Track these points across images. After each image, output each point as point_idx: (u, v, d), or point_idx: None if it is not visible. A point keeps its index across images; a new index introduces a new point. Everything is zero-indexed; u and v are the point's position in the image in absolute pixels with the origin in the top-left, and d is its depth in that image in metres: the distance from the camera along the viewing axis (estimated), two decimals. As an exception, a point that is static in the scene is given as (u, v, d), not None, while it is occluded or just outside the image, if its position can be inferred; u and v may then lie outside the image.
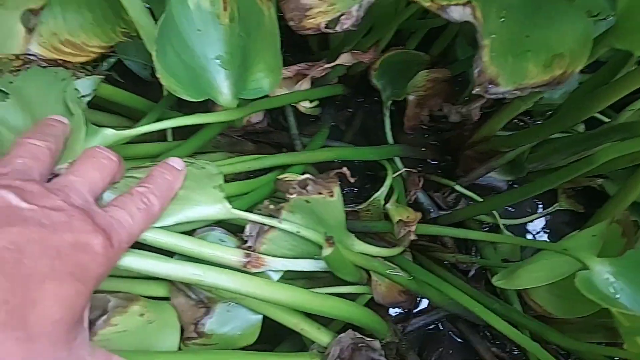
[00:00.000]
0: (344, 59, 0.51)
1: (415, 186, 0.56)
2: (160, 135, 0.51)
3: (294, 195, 0.35)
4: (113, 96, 0.43)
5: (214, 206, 0.34)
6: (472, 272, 0.56)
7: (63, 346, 0.23)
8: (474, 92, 0.38)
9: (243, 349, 0.38)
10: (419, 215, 0.48)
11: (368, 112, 0.67)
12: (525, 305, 0.50)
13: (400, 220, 0.47)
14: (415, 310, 0.58)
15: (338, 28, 0.37)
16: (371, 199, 0.52)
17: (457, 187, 0.59)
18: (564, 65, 0.39)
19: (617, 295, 0.37)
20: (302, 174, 0.38)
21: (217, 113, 0.42)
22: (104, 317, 0.30)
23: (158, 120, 0.44)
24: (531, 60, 0.39)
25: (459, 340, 0.56)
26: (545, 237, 0.65)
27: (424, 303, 0.58)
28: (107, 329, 0.30)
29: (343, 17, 0.38)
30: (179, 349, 0.35)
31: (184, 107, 0.56)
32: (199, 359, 0.33)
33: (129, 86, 0.61)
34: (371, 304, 0.55)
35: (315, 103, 0.54)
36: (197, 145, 0.46)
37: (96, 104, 0.40)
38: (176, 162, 0.33)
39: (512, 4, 0.41)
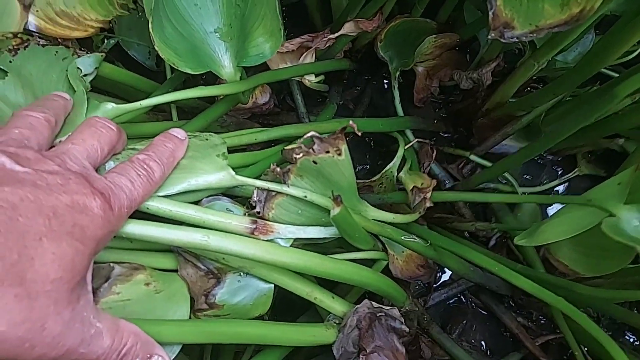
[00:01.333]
0: (348, 28, 0.50)
1: (429, 157, 0.54)
2: (165, 116, 0.51)
3: (300, 156, 0.34)
4: (115, 75, 0.42)
5: (217, 174, 0.34)
6: (492, 242, 0.54)
7: (65, 306, 0.22)
8: (489, 37, 0.37)
9: (256, 318, 0.37)
10: (434, 182, 0.47)
11: (376, 89, 0.66)
12: (551, 268, 0.48)
13: (414, 187, 0.46)
14: (435, 285, 0.56)
15: None
16: (384, 170, 0.51)
17: (472, 157, 0.58)
18: (582, 2, 0.37)
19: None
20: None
21: (220, 86, 0.41)
22: (106, 284, 0.29)
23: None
24: (547, 0, 0.37)
25: (483, 312, 0.55)
26: (566, 205, 0.63)
27: (445, 277, 0.57)
28: (110, 297, 0.29)
29: None
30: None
31: (190, 87, 0.55)
32: (211, 328, 0.32)
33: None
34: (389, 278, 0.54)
35: (320, 77, 0.53)
36: (202, 124, 0.46)
37: (96, 86, 0.40)
38: (178, 132, 0.33)
39: None
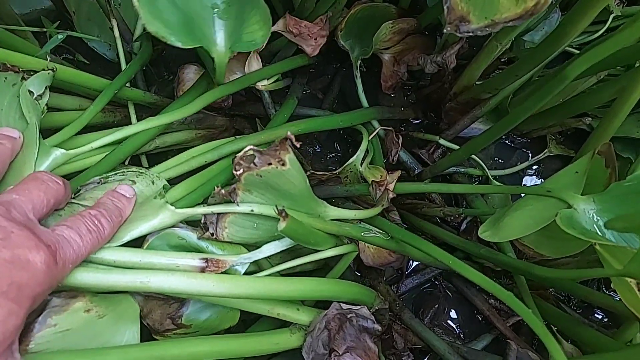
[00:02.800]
0: (280, 25, 0.49)
1: (395, 145, 0.54)
2: (124, 112, 0.49)
3: (242, 172, 0.33)
4: (72, 78, 0.41)
5: (159, 216, 0.34)
6: (463, 226, 0.54)
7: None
8: (444, 31, 0.36)
9: (227, 330, 0.37)
10: (395, 175, 0.46)
11: (345, 76, 0.65)
12: (519, 251, 0.48)
13: (373, 181, 0.45)
14: (407, 271, 0.56)
15: None
16: (346, 164, 0.51)
17: (442, 141, 0.58)
18: None
19: (603, 231, 0.35)
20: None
21: (164, 115, 0.41)
22: (40, 317, 0.28)
23: (115, 97, 0.43)
24: None
25: (456, 295, 0.55)
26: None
27: (417, 263, 0.57)
28: (46, 330, 0.28)
29: None
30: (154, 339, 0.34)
31: (142, 81, 0.54)
32: (163, 350, 0.30)
33: (95, 68, 0.60)
34: (361, 268, 0.54)
35: (274, 78, 0.52)
36: (161, 128, 0.45)
37: (55, 86, 0.39)
38: (126, 190, 0.34)
39: None
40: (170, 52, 0.62)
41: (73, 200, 0.33)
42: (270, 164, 0.33)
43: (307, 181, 0.38)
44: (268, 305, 0.36)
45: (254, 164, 0.33)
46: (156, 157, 0.53)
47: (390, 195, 0.44)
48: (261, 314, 0.37)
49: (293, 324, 0.38)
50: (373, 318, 0.41)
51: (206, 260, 0.33)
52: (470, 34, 0.37)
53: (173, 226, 0.35)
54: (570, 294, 0.53)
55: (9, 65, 0.34)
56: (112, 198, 0.33)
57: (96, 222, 0.30)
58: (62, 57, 0.61)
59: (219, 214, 0.35)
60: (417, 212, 0.55)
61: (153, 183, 0.36)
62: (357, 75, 0.56)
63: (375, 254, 0.51)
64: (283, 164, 0.33)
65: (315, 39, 0.52)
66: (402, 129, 0.62)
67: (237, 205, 0.34)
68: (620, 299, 0.38)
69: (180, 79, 0.52)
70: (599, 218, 0.36)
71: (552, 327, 0.47)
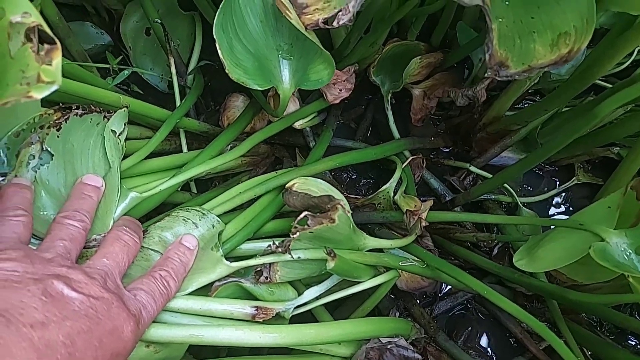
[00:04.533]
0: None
1: (419, 168, 0.57)
2: (177, 143, 0.54)
3: (297, 235, 0.37)
4: (138, 109, 0.46)
5: (216, 270, 0.39)
6: (495, 251, 0.56)
7: None
8: (486, 75, 0.39)
9: None
10: (428, 204, 0.49)
11: (377, 107, 0.68)
12: (551, 276, 0.50)
13: (407, 210, 0.48)
14: (441, 294, 0.58)
15: (335, 23, 0.40)
16: (378, 191, 0.54)
17: (472, 169, 0.60)
18: (570, 43, 0.40)
19: (635, 265, 0.37)
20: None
21: (235, 150, 0.48)
22: None
23: (175, 127, 0.47)
24: (538, 41, 0.40)
25: (488, 318, 0.56)
26: (567, 213, 0.64)
27: (450, 287, 0.59)
28: None
29: (340, 12, 0.40)
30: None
31: (192, 110, 0.59)
32: None
33: (148, 98, 0.65)
34: (395, 291, 0.56)
35: (311, 117, 0.56)
36: (211, 155, 0.49)
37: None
38: (190, 242, 0.37)
39: None
40: (215, 83, 0.67)
41: (144, 245, 0.37)
42: (321, 223, 0.37)
43: (352, 223, 0.41)
44: (310, 337, 0.39)
45: (308, 225, 0.37)
46: (204, 184, 0.57)
47: (423, 224, 0.47)
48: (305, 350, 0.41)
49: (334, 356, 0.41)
50: (412, 347, 0.43)
51: (257, 308, 0.38)
52: (509, 78, 0.40)
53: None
54: (603, 319, 0.54)
55: (93, 107, 0.38)
56: (178, 252, 0.36)
57: (165, 283, 0.34)
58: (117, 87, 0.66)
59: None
60: (449, 237, 0.58)
61: (213, 227, 0.40)
62: (388, 107, 0.60)
63: (409, 279, 0.53)
64: (333, 222, 0.38)
65: (340, 90, 0.56)
66: (432, 156, 0.65)
67: (291, 256, 0.38)
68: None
69: (227, 106, 0.57)
70: (630, 252, 0.38)
71: (585, 350, 0.48)
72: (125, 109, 0.40)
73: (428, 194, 0.61)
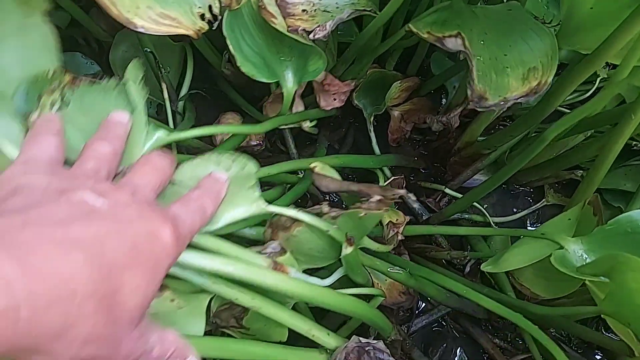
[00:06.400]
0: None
1: (400, 188, 0.59)
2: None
3: (366, 209, 0.39)
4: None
5: (251, 206, 0.38)
6: (467, 269, 0.59)
7: (135, 326, 0.25)
8: (468, 107, 0.43)
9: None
10: (407, 218, 0.52)
11: (359, 129, 0.72)
12: (518, 293, 0.53)
13: (390, 222, 0.51)
14: (417, 312, 0.60)
15: (311, 36, 0.45)
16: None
17: (447, 191, 0.63)
18: (538, 77, 0.45)
19: (590, 268, 0.40)
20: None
21: (249, 125, 0.51)
22: None
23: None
24: (511, 75, 0.45)
25: (462, 335, 0.59)
26: (538, 233, 0.68)
27: (426, 305, 0.61)
28: None
29: (318, 28, 0.45)
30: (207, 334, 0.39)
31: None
32: (226, 345, 0.36)
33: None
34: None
35: (314, 122, 0.60)
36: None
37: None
38: (221, 175, 0.36)
39: (490, 28, 0.47)
40: (203, 107, 0.70)
41: (175, 179, 0.36)
42: (371, 210, 0.40)
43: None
44: (307, 325, 0.41)
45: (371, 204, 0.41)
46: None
47: (399, 237, 0.50)
48: (299, 334, 0.41)
49: (322, 346, 0.43)
50: (388, 351, 0.46)
51: (275, 263, 0.38)
52: (488, 109, 0.44)
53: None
54: (570, 334, 0.57)
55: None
56: (211, 180, 0.34)
57: (200, 202, 0.32)
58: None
59: (294, 220, 0.39)
60: (425, 255, 0.60)
61: (245, 167, 0.39)
62: (371, 129, 0.63)
63: (387, 294, 0.55)
64: (379, 210, 0.40)
65: (334, 99, 0.60)
66: (412, 178, 0.69)
67: (316, 219, 0.39)
68: (619, 339, 0.42)
69: (220, 124, 0.60)
70: (587, 257, 0.41)
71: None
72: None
73: (406, 213, 0.64)
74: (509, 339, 0.57)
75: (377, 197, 0.40)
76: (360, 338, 0.45)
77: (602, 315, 0.43)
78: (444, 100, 0.73)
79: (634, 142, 0.59)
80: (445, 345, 0.57)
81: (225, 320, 0.40)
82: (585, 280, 0.38)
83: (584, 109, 0.42)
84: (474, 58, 0.43)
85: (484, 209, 0.64)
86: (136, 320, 0.25)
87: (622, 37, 0.38)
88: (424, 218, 0.62)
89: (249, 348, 0.38)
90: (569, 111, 0.65)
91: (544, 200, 0.66)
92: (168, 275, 0.36)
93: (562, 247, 0.41)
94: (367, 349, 0.45)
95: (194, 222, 0.30)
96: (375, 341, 0.45)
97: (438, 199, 0.65)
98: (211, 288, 0.36)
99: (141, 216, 0.26)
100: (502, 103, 0.43)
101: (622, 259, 0.29)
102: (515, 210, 0.68)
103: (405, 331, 0.58)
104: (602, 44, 0.40)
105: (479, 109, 0.44)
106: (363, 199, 0.42)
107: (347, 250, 0.39)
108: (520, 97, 0.44)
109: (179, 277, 0.35)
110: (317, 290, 0.39)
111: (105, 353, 0.23)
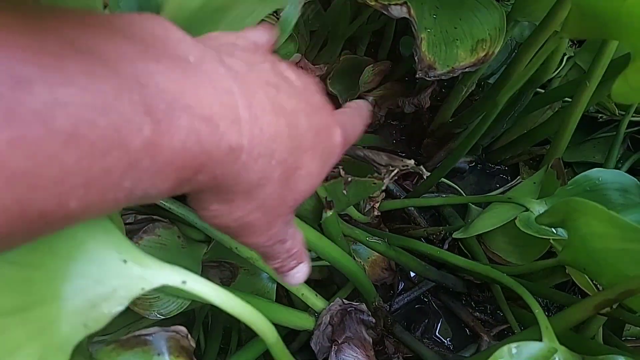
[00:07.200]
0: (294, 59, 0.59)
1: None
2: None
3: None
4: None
5: None
6: (445, 245, 0.60)
7: (291, 212, 0.25)
8: (416, 76, 0.45)
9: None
10: (383, 194, 0.54)
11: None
12: (492, 262, 0.54)
13: (369, 196, 0.53)
14: (398, 290, 0.62)
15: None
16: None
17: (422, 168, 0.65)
18: (486, 48, 0.47)
19: (553, 229, 0.41)
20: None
21: None
22: (151, 225, 0.35)
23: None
24: (460, 47, 0.47)
25: (443, 310, 0.60)
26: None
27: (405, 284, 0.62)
28: (151, 237, 0.35)
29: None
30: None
31: None
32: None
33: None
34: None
35: None
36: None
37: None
38: (367, 104, 0.33)
39: (441, 2, 0.49)
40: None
41: None
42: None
43: None
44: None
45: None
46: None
47: (375, 212, 0.51)
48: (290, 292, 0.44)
49: (310, 308, 0.45)
50: (369, 312, 0.47)
51: None
52: (437, 78, 0.46)
53: None
54: (549, 302, 0.58)
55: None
56: (360, 104, 0.31)
57: (355, 120, 0.28)
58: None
59: None
60: (404, 234, 0.62)
61: None
62: (345, 116, 0.65)
63: (370, 270, 0.57)
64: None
65: None
66: (389, 162, 0.70)
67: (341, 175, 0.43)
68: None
69: None
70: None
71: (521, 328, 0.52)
72: None
73: (385, 196, 0.66)
74: (488, 311, 0.58)
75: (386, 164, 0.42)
76: (344, 300, 0.46)
77: (566, 271, 0.44)
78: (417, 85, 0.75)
79: (600, 115, 0.60)
80: (427, 320, 0.58)
81: (212, 278, 0.42)
82: (550, 239, 0.39)
83: (528, 68, 0.44)
84: (424, 29, 0.45)
85: (463, 190, 0.66)
86: (294, 206, 0.24)
87: (565, 5, 0.40)
88: (402, 199, 0.63)
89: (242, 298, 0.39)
90: (542, 91, 0.67)
91: (519, 177, 0.67)
92: (179, 219, 0.37)
93: (527, 210, 0.43)
94: (349, 309, 0.47)
95: (353, 132, 0.28)
96: (357, 303, 0.47)
97: (415, 181, 0.66)
98: (213, 235, 0.38)
99: (323, 109, 0.25)
100: (450, 73, 0.45)
101: (574, 203, 0.30)
102: (493, 188, 0.70)
103: (388, 309, 0.59)
104: (547, 13, 0.42)
105: (427, 79, 0.45)
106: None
107: (327, 214, 0.41)
108: (467, 67, 0.46)
109: (187, 221, 0.36)
110: (315, 237, 0.41)
111: (262, 225, 0.23)
